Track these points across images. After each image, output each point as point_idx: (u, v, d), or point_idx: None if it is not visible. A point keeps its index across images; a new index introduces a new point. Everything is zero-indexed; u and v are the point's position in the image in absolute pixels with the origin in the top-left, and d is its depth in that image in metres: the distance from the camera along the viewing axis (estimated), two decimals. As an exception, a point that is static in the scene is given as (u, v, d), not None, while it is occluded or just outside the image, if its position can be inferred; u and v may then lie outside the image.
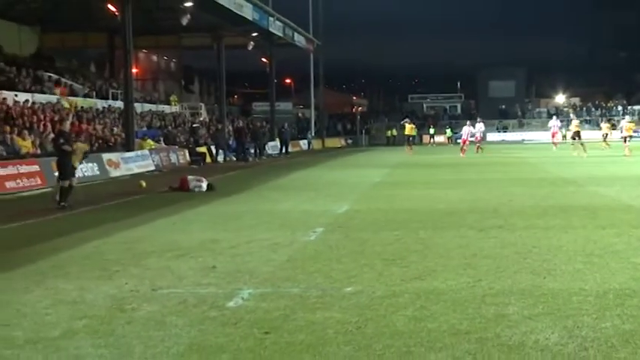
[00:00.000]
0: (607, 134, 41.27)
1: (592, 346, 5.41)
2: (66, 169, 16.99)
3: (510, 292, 7.12)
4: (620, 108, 76.17)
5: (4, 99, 29.99)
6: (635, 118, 55.81)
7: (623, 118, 46.37)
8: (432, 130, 68.22)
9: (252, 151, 42.46)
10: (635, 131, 40.84)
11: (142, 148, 32.96)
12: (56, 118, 30.28)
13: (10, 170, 21.35)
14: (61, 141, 17.07)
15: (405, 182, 22.09)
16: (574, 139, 35.86)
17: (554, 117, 50.15)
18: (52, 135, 24.19)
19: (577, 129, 36.44)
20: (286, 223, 12.80)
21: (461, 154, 38.56)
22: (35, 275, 8.54)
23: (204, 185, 19.96)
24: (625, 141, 35.23)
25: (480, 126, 44.55)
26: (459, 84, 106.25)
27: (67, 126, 18.51)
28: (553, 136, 44.14)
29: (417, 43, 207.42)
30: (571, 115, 44.77)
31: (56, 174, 17.60)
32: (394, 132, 68.20)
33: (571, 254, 9.11)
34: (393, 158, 38.69)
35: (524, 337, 5.67)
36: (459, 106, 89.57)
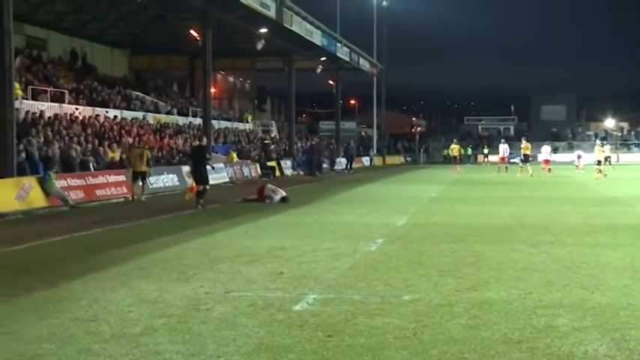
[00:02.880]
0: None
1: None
2: (200, 176, 18.76)
3: (560, 305, 6.97)
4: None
5: (97, 115, 30.73)
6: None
7: None
8: (486, 150, 67.44)
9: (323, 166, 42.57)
10: None
11: (231, 160, 34.39)
12: (142, 132, 30.92)
13: (100, 180, 21.77)
14: (207, 156, 19.00)
15: (461, 198, 21.85)
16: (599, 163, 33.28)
17: (546, 145, 47.70)
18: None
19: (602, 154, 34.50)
20: (349, 234, 12.78)
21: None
22: (121, 276, 8.69)
23: (278, 198, 19.68)
24: (598, 164, 32.95)
25: (504, 147, 43.70)
26: (512, 107, 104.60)
27: (204, 141, 20.65)
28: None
29: (474, 67, 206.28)
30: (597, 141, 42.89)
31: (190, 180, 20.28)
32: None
33: (619, 270, 8.88)
34: (450, 175, 38.25)
35: (573, 347, 5.54)
36: (512, 127, 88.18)
